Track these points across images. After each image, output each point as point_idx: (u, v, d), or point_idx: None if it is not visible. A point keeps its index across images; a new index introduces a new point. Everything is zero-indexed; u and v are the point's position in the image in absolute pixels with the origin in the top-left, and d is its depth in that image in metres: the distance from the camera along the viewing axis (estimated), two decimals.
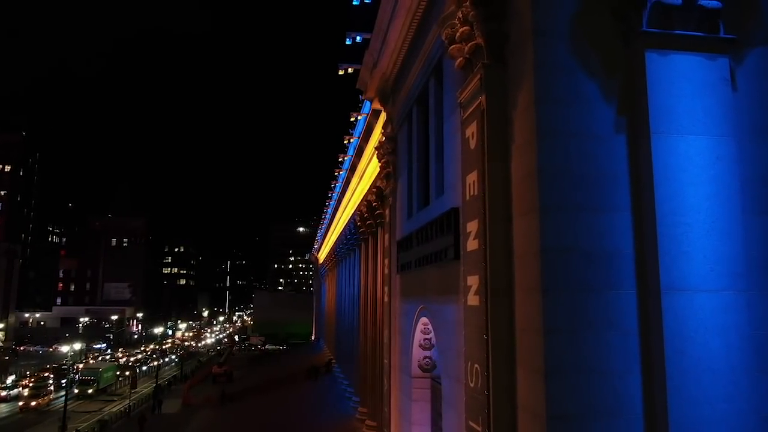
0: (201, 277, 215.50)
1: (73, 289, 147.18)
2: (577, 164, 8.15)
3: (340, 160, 49.00)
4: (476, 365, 9.23)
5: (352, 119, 27.71)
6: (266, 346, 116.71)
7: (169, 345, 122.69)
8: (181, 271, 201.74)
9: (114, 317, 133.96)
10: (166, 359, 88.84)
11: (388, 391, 18.31)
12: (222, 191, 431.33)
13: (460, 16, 10.08)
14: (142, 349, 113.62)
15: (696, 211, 7.92)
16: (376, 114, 24.50)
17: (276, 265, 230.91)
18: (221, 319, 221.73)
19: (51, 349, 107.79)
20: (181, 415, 47.23)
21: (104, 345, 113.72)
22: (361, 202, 34.74)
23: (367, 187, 32.30)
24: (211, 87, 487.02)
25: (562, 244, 7.90)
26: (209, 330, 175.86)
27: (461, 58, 10.32)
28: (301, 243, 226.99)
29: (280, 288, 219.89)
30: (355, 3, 16.68)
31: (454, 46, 10.68)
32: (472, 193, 9.78)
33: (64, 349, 72.85)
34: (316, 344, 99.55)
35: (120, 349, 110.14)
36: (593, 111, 8.32)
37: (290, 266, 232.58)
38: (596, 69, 8.41)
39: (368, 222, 32.27)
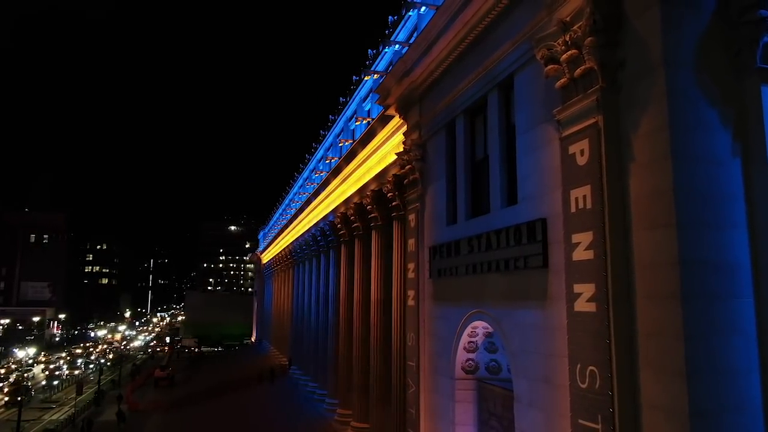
0: (123, 277, 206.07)
1: None
2: (702, 184, 9.04)
3: (311, 161, 48.81)
4: (591, 367, 9.91)
5: (358, 123, 27.84)
6: (201, 348, 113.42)
7: (105, 347, 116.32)
8: (103, 270, 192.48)
9: (36, 318, 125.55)
10: (98, 363, 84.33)
11: (414, 392, 18.70)
12: (146, 186, 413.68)
13: (567, 39, 10.75)
14: (66, 353, 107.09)
15: None
16: (382, 120, 24.85)
17: (205, 264, 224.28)
18: (155, 320, 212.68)
19: None
20: (130, 422, 45.17)
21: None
22: (344, 204, 34.78)
23: (354, 189, 32.47)
24: (139, 75, 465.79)
25: (695, 256, 8.75)
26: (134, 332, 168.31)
27: (564, 79, 10.98)
28: (233, 242, 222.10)
29: (209, 288, 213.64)
30: (410, 13, 17.08)
31: (551, 66, 11.35)
32: (580, 206, 10.45)
33: (20, 354, 66.72)
34: (259, 345, 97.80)
35: (42, 353, 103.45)
36: (714, 137, 9.25)
37: (221, 265, 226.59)
38: (716, 98, 9.34)
39: (354, 225, 32.46)
